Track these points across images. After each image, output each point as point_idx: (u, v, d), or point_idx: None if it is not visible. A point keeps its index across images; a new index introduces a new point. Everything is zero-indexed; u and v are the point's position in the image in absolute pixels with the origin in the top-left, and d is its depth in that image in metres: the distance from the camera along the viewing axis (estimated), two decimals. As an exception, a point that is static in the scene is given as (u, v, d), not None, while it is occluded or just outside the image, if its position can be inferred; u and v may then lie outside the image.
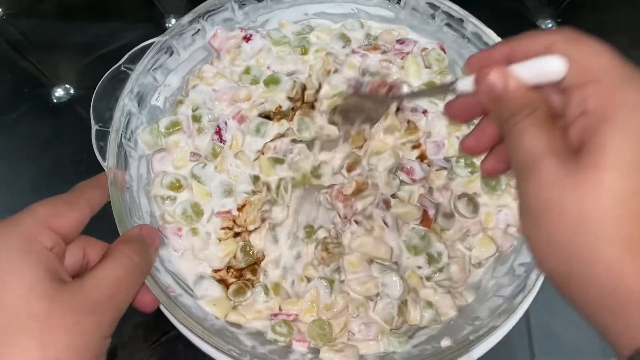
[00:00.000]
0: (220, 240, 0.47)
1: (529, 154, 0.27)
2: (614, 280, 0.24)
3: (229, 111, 0.51)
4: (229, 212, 0.48)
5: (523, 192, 0.27)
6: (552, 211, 0.26)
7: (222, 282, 0.46)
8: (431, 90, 0.39)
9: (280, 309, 0.46)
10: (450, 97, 0.35)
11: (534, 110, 0.28)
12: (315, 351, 0.44)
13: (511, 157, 0.29)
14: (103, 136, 0.45)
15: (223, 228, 0.47)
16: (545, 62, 0.28)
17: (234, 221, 0.48)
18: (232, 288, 0.46)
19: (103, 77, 0.47)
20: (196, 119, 0.50)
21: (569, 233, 0.25)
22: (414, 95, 0.42)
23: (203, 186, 0.48)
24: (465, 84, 0.31)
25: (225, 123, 0.50)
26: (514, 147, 0.28)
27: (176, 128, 0.50)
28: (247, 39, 0.53)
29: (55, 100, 0.61)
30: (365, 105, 0.45)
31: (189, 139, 0.50)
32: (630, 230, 0.24)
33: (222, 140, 0.49)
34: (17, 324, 0.31)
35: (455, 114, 0.35)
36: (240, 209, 0.48)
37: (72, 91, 0.62)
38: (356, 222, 0.47)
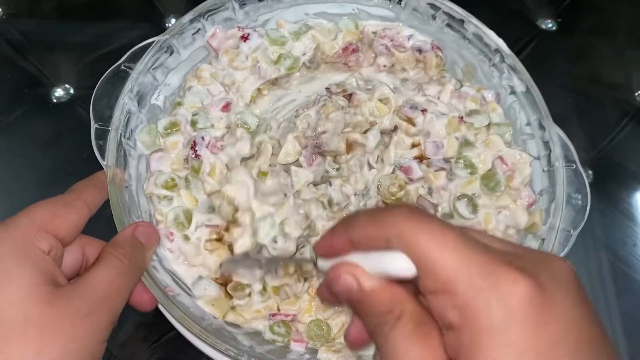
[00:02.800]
0: (210, 252, 0.46)
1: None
2: None
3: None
4: (217, 226, 0.47)
5: None
6: None
7: (220, 282, 0.46)
8: (295, 259, 0.39)
9: (278, 309, 0.46)
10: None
11: (399, 316, 0.24)
12: (313, 351, 0.44)
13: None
14: (102, 135, 0.45)
15: (209, 240, 0.46)
16: (389, 261, 0.24)
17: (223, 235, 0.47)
18: (230, 285, 0.46)
19: (103, 76, 0.47)
20: (193, 123, 0.50)
21: None
22: (276, 260, 0.41)
23: (191, 194, 0.47)
24: (326, 265, 0.28)
25: (202, 138, 0.48)
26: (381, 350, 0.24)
27: (175, 129, 0.49)
28: (244, 38, 0.53)
29: (55, 100, 0.61)
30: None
31: (187, 142, 0.50)
32: None
33: (196, 156, 0.48)
34: (12, 329, 0.31)
35: (354, 342, 0.29)
36: (226, 228, 0.46)
37: (72, 91, 0.62)
38: None
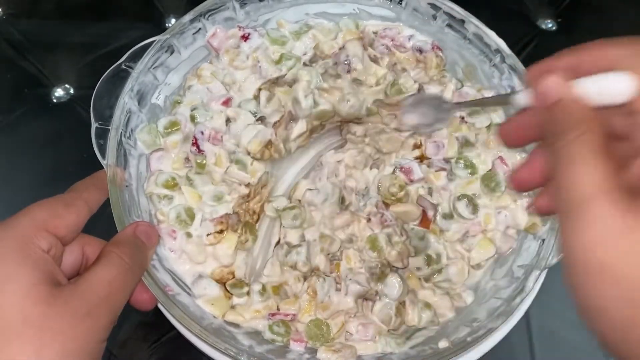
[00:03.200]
0: (213, 246, 0.47)
1: (577, 191, 0.23)
2: None
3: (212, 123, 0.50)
4: (222, 217, 0.47)
5: (567, 239, 0.23)
6: (605, 273, 0.22)
7: (220, 281, 0.46)
8: (489, 99, 0.37)
9: (278, 309, 0.46)
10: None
11: (589, 131, 0.24)
12: (313, 351, 0.44)
13: (556, 190, 0.24)
14: (103, 134, 0.45)
15: (212, 233, 0.46)
16: (610, 78, 0.25)
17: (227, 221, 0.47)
18: (229, 282, 0.46)
19: (103, 75, 0.47)
20: (192, 119, 0.50)
21: (625, 302, 0.21)
22: (471, 104, 0.40)
23: (194, 190, 0.48)
24: (523, 97, 0.29)
25: (202, 133, 0.49)
26: (560, 178, 0.24)
27: (175, 128, 0.49)
28: (245, 37, 0.53)
29: (55, 100, 0.61)
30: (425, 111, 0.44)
31: (186, 140, 0.50)
32: None
33: (200, 151, 0.48)
34: (11, 329, 0.31)
35: (509, 136, 0.31)
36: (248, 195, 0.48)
37: (72, 91, 0.62)
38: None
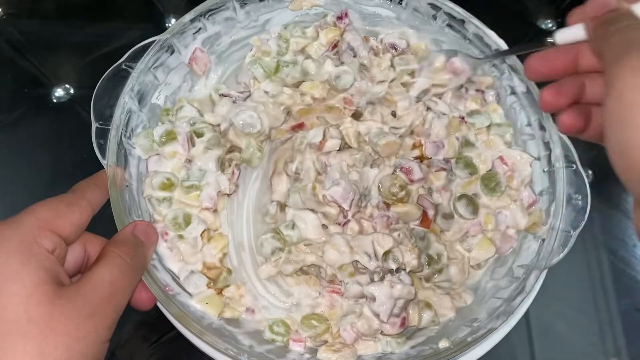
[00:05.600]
0: (209, 240, 0.47)
1: (628, 38, 0.25)
2: None
3: None
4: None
5: (614, 80, 0.24)
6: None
7: (211, 278, 0.46)
8: (525, 46, 0.37)
9: None
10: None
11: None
12: (313, 351, 0.44)
13: (603, 49, 0.26)
14: (103, 134, 0.45)
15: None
16: None
17: None
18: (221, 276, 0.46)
19: (104, 75, 0.47)
20: (198, 135, 0.49)
21: None
22: (509, 52, 0.41)
23: (194, 191, 0.48)
24: (566, 34, 0.30)
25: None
26: (610, 37, 0.26)
27: (171, 137, 0.48)
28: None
29: (55, 100, 0.61)
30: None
31: (185, 152, 0.49)
32: None
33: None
34: (15, 329, 0.31)
35: (537, 69, 0.32)
36: None
37: (72, 91, 0.62)
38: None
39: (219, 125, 0.50)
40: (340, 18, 0.55)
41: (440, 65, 0.50)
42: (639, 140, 0.23)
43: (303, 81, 0.52)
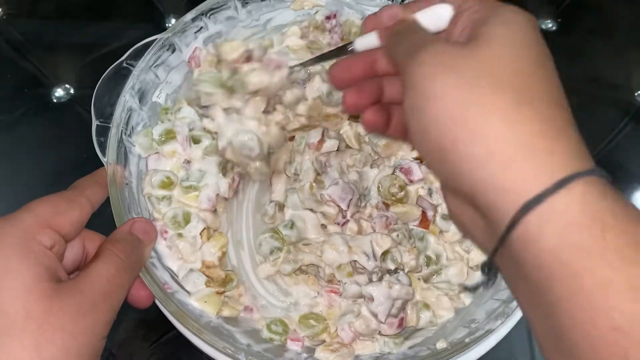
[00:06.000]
0: (208, 239, 0.47)
1: (416, 41, 0.28)
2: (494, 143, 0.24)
3: None
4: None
5: (409, 74, 0.27)
6: (438, 99, 0.25)
7: (210, 277, 0.46)
8: (329, 53, 0.39)
9: None
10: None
11: (434, 41, 0.28)
12: (311, 350, 0.44)
13: (395, 54, 0.30)
14: (103, 132, 0.45)
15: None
16: (434, 10, 0.31)
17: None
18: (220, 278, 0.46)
19: (105, 73, 0.47)
20: (195, 141, 0.49)
21: (444, 126, 0.25)
22: (313, 61, 0.41)
23: (193, 192, 0.47)
24: (363, 42, 0.33)
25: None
26: (400, 44, 0.29)
27: (170, 136, 0.48)
28: None
29: (55, 100, 0.61)
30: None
31: (184, 151, 0.49)
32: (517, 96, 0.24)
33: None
34: (13, 324, 0.31)
35: (340, 76, 0.34)
36: None
37: (72, 91, 0.62)
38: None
39: (217, 132, 0.50)
40: (329, 18, 0.55)
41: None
42: (434, 124, 0.25)
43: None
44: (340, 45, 0.39)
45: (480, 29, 0.27)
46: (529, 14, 0.29)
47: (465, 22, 0.29)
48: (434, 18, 0.31)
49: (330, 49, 0.41)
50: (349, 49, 0.34)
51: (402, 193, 0.48)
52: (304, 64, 0.42)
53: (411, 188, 0.49)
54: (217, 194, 0.47)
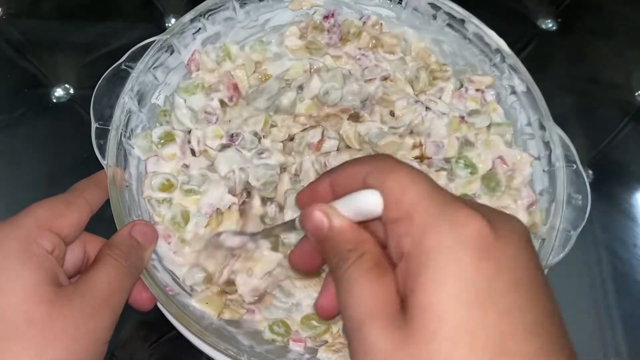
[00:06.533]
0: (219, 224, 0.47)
1: (355, 315, 0.24)
2: None
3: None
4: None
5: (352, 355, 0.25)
6: None
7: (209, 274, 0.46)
8: (279, 227, 0.39)
9: None
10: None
11: (361, 255, 0.26)
12: (313, 351, 0.44)
13: (341, 314, 0.26)
14: (103, 134, 0.45)
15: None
16: (361, 197, 0.26)
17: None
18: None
19: (103, 75, 0.47)
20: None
21: None
22: (265, 234, 0.42)
23: (193, 195, 0.47)
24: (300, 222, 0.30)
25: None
26: (341, 304, 0.26)
27: (170, 139, 0.48)
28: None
29: (55, 100, 0.61)
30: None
31: (183, 155, 0.49)
32: None
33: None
34: (14, 330, 0.31)
35: (297, 262, 0.32)
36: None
37: (72, 91, 0.62)
38: None
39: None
40: (326, 17, 0.55)
41: None
42: None
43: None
44: (287, 221, 0.39)
45: (415, 298, 0.23)
46: (483, 222, 0.24)
47: (398, 248, 0.25)
48: (359, 208, 0.27)
49: (282, 223, 0.41)
50: (296, 226, 0.31)
51: None
52: (256, 235, 0.42)
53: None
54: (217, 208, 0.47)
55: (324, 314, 0.30)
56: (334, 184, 0.29)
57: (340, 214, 0.27)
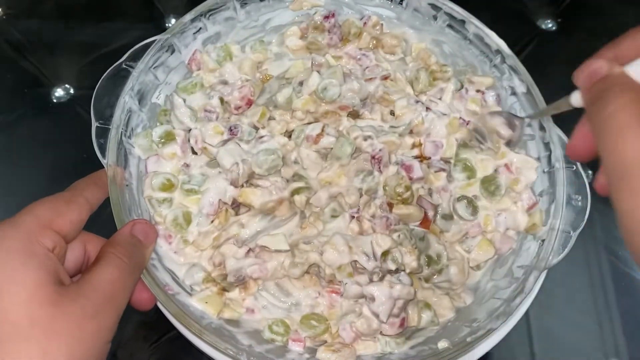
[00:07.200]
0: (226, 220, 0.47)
1: (626, 159, 0.24)
2: None
3: None
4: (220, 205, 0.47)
5: (620, 204, 0.25)
6: None
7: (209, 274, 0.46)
8: (550, 107, 0.40)
9: None
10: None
11: (635, 99, 0.25)
12: (312, 351, 0.44)
13: (604, 159, 0.26)
14: (103, 133, 0.45)
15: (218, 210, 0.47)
16: None
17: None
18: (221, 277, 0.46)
19: (104, 75, 0.47)
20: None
21: None
22: (537, 115, 0.43)
23: (194, 195, 0.47)
24: (578, 97, 0.31)
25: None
26: (607, 148, 0.25)
27: (170, 138, 0.48)
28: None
29: (55, 100, 0.61)
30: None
31: (183, 155, 0.49)
32: None
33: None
34: (18, 331, 0.31)
35: (576, 151, 0.33)
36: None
37: (72, 91, 0.62)
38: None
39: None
40: (327, 18, 0.55)
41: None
42: None
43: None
44: (558, 100, 0.38)
45: None
46: None
47: None
48: None
49: (552, 104, 0.41)
50: (567, 103, 0.33)
51: (408, 193, 0.47)
52: (534, 116, 0.44)
53: (412, 187, 0.49)
54: (220, 199, 0.47)
55: (575, 154, 0.32)
56: (618, 52, 0.29)
57: (620, 67, 0.28)
